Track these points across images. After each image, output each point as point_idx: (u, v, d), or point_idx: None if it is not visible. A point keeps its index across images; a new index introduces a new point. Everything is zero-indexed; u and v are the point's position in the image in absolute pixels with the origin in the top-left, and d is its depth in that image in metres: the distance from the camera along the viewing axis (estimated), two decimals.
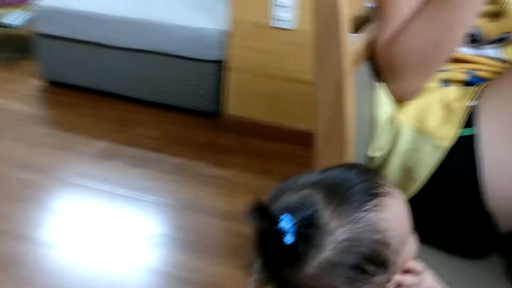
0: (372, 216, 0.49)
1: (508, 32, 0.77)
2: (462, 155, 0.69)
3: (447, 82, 0.80)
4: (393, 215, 0.50)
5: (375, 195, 0.50)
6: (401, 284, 0.54)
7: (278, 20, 1.74)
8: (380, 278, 0.50)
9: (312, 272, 0.48)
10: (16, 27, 2.42)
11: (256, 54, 1.81)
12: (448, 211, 0.71)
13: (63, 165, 1.75)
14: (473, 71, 0.79)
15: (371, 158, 0.76)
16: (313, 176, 0.52)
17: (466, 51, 0.80)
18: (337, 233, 0.48)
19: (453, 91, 0.76)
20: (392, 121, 0.75)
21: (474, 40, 0.79)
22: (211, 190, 1.66)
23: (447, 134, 0.70)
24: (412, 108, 0.76)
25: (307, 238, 0.47)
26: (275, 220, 0.46)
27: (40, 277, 1.30)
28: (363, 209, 0.49)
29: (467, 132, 0.69)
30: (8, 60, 2.46)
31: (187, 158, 1.80)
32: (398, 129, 0.74)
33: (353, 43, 0.72)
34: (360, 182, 0.51)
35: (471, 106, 0.71)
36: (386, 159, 0.74)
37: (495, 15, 0.76)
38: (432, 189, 0.70)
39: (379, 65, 0.77)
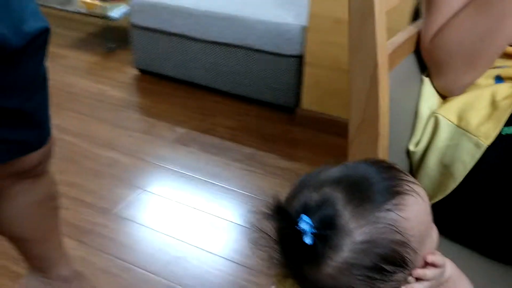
0: (392, 216, 0.48)
1: None
2: (501, 154, 0.66)
3: (501, 79, 0.76)
4: (414, 214, 0.49)
5: (396, 194, 0.49)
6: (422, 278, 0.53)
7: None
8: (399, 276, 0.49)
9: (330, 272, 0.48)
10: (117, 19, 2.62)
11: (334, 49, 1.81)
12: (485, 211, 0.68)
13: (145, 147, 1.88)
14: None
15: (412, 153, 0.75)
16: (333, 172, 0.51)
17: None
18: (356, 234, 0.47)
19: (504, 89, 0.72)
20: (433, 115, 0.74)
21: None
22: (278, 181, 1.69)
23: (489, 131, 0.67)
24: (455, 104, 0.74)
25: (326, 239, 0.47)
26: (294, 221, 0.47)
27: (113, 246, 1.42)
28: (383, 208, 0.48)
29: (509, 130, 0.66)
30: (109, 50, 2.68)
31: (259, 149, 1.85)
32: (439, 125, 0.72)
33: (397, 35, 0.71)
34: (381, 181, 0.49)
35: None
36: (425, 154, 0.73)
37: None
38: (469, 188, 0.68)
39: (425, 59, 0.76)
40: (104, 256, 1.38)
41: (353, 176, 0.50)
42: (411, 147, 0.74)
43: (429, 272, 0.53)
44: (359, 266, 0.47)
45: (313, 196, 0.49)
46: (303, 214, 0.47)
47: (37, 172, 0.91)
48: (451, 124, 0.72)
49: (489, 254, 0.70)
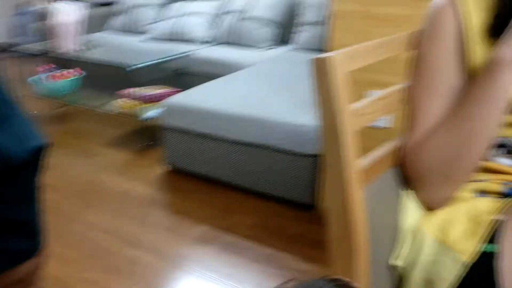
0: None
1: None
2: (483, 273, 0.66)
3: (482, 192, 0.77)
4: None
5: None
6: None
7: None
8: None
9: None
10: (152, 120, 2.79)
11: None
12: None
13: (168, 245, 1.92)
14: (509, 183, 0.76)
15: (393, 267, 0.75)
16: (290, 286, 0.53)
17: (503, 162, 0.77)
18: None
19: (485, 203, 0.73)
20: (416, 230, 0.75)
21: (509, 151, 0.76)
22: None
23: (469, 248, 0.67)
24: (437, 218, 0.74)
25: None
26: None
27: None
28: None
29: (489, 248, 0.66)
30: (143, 148, 2.83)
31: (277, 249, 1.85)
32: (421, 240, 0.73)
33: (376, 150, 0.75)
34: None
35: (498, 221, 0.68)
36: (409, 269, 0.73)
37: None
38: None
39: (406, 173, 0.78)
40: None
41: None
42: (394, 262, 0.75)
43: None
44: None
45: None
46: None
47: (25, 284, 0.95)
48: (434, 240, 0.72)
49: None
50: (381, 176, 0.76)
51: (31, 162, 0.80)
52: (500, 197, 0.75)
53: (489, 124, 0.71)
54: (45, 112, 3.56)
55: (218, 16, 3.78)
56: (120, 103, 2.96)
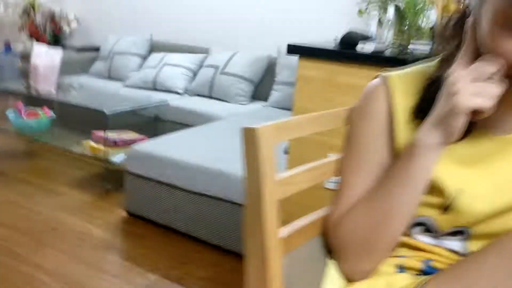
0: None
1: (459, 226, 0.78)
2: None
3: (403, 268, 0.81)
4: None
5: None
6: None
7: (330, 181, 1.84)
8: None
9: None
10: (118, 165, 2.80)
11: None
12: None
13: None
14: (428, 261, 0.79)
15: None
16: None
17: (424, 240, 0.81)
18: None
19: (402, 279, 0.77)
20: None
21: (429, 230, 0.81)
22: None
23: None
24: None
25: None
26: None
27: None
28: None
29: None
30: (106, 191, 2.82)
31: None
32: None
33: (300, 219, 0.79)
34: None
35: None
36: None
37: (444, 208, 0.78)
38: None
39: (330, 244, 0.82)
40: None
41: None
42: None
43: None
44: None
45: None
46: None
47: None
48: None
49: None
50: (306, 244, 0.80)
51: None
52: (419, 274, 0.78)
53: (406, 203, 0.75)
54: (13, 148, 3.54)
55: (197, 69, 3.89)
56: (90, 145, 2.97)
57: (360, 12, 2.25)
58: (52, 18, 4.83)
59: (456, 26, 0.78)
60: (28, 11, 4.84)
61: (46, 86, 3.14)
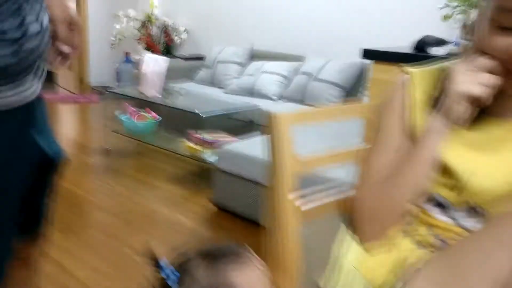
0: (229, 275, 0.67)
1: (474, 207, 0.82)
2: None
3: (420, 244, 0.86)
4: (246, 281, 0.68)
5: (238, 263, 0.69)
6: None
7: None
8: None
9: None
10: (211, 163, 3.03)
11: None
12: None
13: None
14: (445, 239, 0.84)
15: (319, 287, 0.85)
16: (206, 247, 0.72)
17: (443, 219, 0.86)
18: (203, 281, 0.67)
19: (420, 255, 0.82)
20: (352, 268, 0.85)
21: (443, 206, 0.85)
22: None
23: (377, 279, 0.77)
24: (370, 261, 0.85)
25: (183, 282, 0.67)
26: (162, 269, 0.68)
27: None
28: (225, 270, 0.67)
29: (398, 286, 0.76)
30: (199, 187, 3.06)
31: None
32: (353, 278, 0.84)
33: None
34: (232, 255, 0.70)
35: (411, 267, 0.77)
36: None
37: (454, 188, 0.83)
38: None
39: (352, 215, 0.90)
40: None
41: (212, 248, 0.72)
42: (321, 283, 0.85)
43: None
44: None
45: (184, 257, 0.71)
46: (170, 269, 0.69)
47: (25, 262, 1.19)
48: (363, 279, 0.82)
49: None
50: (325, 216, 0.88)
51: (53, 164, 1.05)
52: (433, 251, 0.84)
53: (413, 177, 0.83)
54: (124, 147, 3.96)
55: (291, 76, 4.04)
56: (187, 145, 3.24)
57: (445, 17, 2.23)
58: (166, 30, 5.31)
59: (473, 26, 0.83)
60: (146, 25, 5.36)
61: (152, 91, 3.49)
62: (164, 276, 0.68)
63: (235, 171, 2.58)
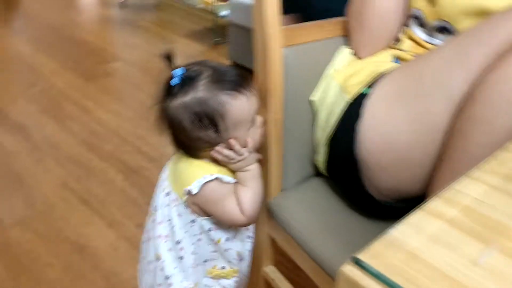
0: (225, 97, 0.74)
1: (443, 21, 0.86)
2: (355, 109, 0.83)
3: (397, 59, 0.93)
4: (238, 107, 0.75)
5: (237, 90, 0.75)
6: (220, 152, 0.77)
7: None
8: (211, 134, 0.75)
9: (175, 106, 0.74)
10: (226, 17, 3.03)
11: None
12: (344, 159, 0.86)
13: None
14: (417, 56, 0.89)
15: (311, 102, 0.94)
16: (215, 63, 0.79)
17: (419, 35, 0.91)
18: (199, 92, 0.74)
19: (388, 66, 0.89)
20: (328, 76, 0.93)
21: (420, 20, 0.91)
22: None
23: (354, 90, 0.86)
24: (348, 69, 0.91)
25: (183, 85, 0.74)
26: (173, 68, 0.75)
27: None
28: (224, 91, 0.74)
29: (365, 91, 0.83)
30: (216, 43, 3.10)
31: None
32: (331, 85, 0.91)
33: None
34: (236, 79, 0.76)
35: (382, 74, 0.85)
36: (318, 105, 0.93)
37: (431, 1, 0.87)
38: (334, 138, 0.87)
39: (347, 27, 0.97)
40: None
41: (222, 68, 0.78)
42: (311, 97, 0.94)
43: (226, 151, 0.77)
44: (190, 109, 0.73)
45: (195, 66, 0.77)
46: (181, 68, 0.76)
47: None
48: (337, 85, 0.89)
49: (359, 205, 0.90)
50: (310, 43, 0.94)
51: None
52: None
53: None
54: (140, 1, 3.94)
55: None
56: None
57: None
58: None
59: None
60: None
61: None
62: (171, 74, 0.75)
63: (248, 24, 2.59)
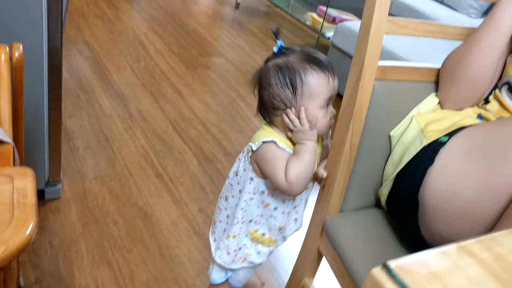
0: (309, 69, 0.88)
1: None
2: (429, 153, 0.86)
3: (481, 117, 0.95)
4: (317, 80, 0.89)
5: (321, 68, 0.89)
6: (288, 115, 0.90)
7: None
8: (288, 94, 0.88)
9: (269, 65, 0.91)
10: (327, 37, 3.11)
11: None
12: (406, 197, 0.90)
13: None
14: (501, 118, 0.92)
15: (391, 137, 0.98)
16: (306, 49, 0.94)
17: (508, 101, 0.93)
18: (290, 58, 0.90)
19: (471, 120, 0.91)
20: (412, 117, 0.97)
21: (510, 88, 0.92)
22: None
23: (433, 136, 0.89)
24: (432, 115, 0.95)
25: (280, 52, 0.92)
26: (277, 40, 0.94)
27: None
28: (310, 64, 0.89)
29: (443, 139, 0.86)
30: None
31: None
32: (410, 124, 0.95)
33: None
34: (324, 60, 0.91)
35: (464, 127, 0.87)
36: (396, 140, 0.96)
37: None
38: (402, 175, 0.91)
39: (440, 78, 1.00)
40: None
41: (316, 53, 0.92)
42: (392, 133, 0.98)
43: (293, 116, 0.89)
44: (279, 68, 0.89)
45: (296, 47, 0.94)
46: (280, 41, 0.94)
47: None
48: (418, 127, 0.93)
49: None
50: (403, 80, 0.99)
51: None
52: None
53: (486, 41, 0.93)
54: (255, 6, 4.11)
55: None
56: (312, 17, 3.31)
57: None
58: None
59: None
60: None
61: None
62: (275, 43, 0.93)
63: (348, 49, 2.64)
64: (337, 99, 0.95)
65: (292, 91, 0.88)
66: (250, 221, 0.98)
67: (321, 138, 0.98)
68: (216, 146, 2.02)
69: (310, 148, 0.90)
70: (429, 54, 2.40)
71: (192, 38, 3.16)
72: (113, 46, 2.77)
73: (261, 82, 0.93)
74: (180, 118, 2.17)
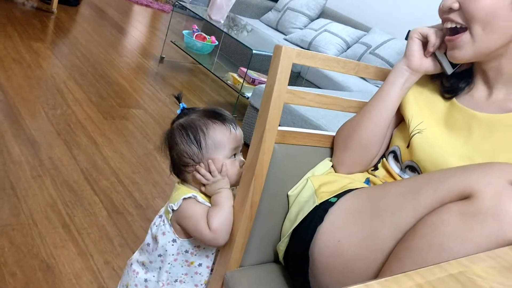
0: (210, 122, 0.97)
1: (412, 161, 0.99)
2: (320, 213, 0.94)
3: (369, 182, 1.05)
4: (219, 132, 0.97)
5: (222, 121, 0.98)
6: (198, 171, 0.96)
7: None
8: (194, 149, 0.96)
9: (173, 127, 0.99)
10: (246, 97, 3.25)
11: None
12: (299, 253, 0.97)
13: None
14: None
15: (289, 196, 1.06)
16: (207, 107, 1.04)
17: (393, 167, 1.04)
18: (192, 116, 0.99)
19: (359, 184, 1.01)
20: (308, 179, 1.05)
21: (396, 158, 1.04)
22: None
23: (324, 197, 0.97)
24: (326, 177, 1.04)
25: (183, 113, 1.02)
26: (180, 103, 1.05)
27: None
28: (211, 119, 0.97)
29: (333, 199, 0.95)
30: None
31: None
32: (305, 185, 1.04)
33: None
34: (224, 114, 1.00)
35: (352, 189, 0.97)
36: (292, 201, 1.04)
37: (408, 142, 1.01)
38: (297, 233, 0.98)
39: (334, 144, 1.11)
40: None
41: (211, 109, 1.02)
42: (289, 192, 1.06)
43: (203, 170, 0.95)
44: (182, 127, 0.99)
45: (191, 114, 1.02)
46: (182, 103, 1.05)
47: None
48: (311, 188, 1.01)
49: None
50: (299, 145, 1.08)
51: None
52: None
53: (376, 112, 1.04)
54: (179, 61, 4.21)
55: (352, 42, 4.12)
56: (233, 77, 3.45)
57: None
58: None
59: None
60: None
61: (217, 15, 3.67)
62: (179, 106, 1.03)
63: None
64: (246, 148, 1.02)
65: (197, 145, 0.95)
66: (175, 281, 1.00)
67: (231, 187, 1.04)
68: (127, 198, 2.00)
69: (227, 195, 0.96)
70: (338, 117, 2.59)
71: (113, 89, 3.16)
72: (29, 92, 2.71)
73: (169, 143, 0.99)
74: (93, 168, 2.15)
